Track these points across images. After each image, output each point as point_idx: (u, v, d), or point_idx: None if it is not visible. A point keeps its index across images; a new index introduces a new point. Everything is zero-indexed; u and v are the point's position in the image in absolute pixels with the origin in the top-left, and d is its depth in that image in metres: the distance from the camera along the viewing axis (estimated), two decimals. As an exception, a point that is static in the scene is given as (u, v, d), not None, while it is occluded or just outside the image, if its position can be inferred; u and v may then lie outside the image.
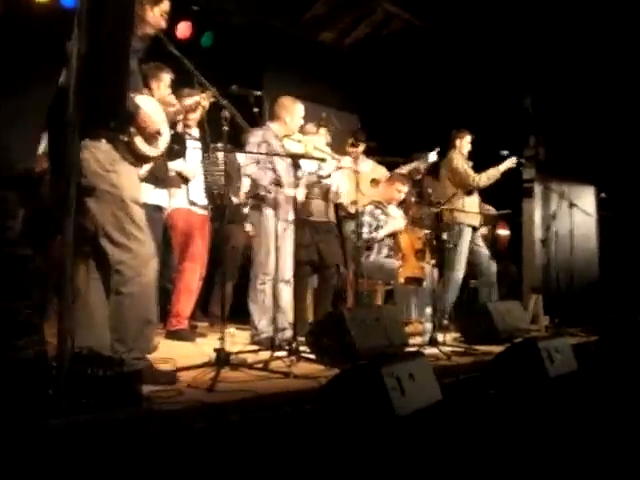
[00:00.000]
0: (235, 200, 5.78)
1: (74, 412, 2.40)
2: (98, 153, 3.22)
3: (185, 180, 5.34)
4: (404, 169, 7.01)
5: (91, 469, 2.23)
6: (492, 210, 7.45)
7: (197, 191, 5.36)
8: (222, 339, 3.73)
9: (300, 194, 5.23)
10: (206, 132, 4.90)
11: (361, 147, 6.50)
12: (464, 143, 6.99)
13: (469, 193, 6.82)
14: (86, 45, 2.41)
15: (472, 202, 6.87)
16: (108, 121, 2.71)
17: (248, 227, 5.94)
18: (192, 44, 7.13)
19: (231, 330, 5.60)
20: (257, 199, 5.19)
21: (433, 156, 6.94)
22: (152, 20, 3.45)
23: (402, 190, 6.50)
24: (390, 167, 7.00)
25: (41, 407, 2.36)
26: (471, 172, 6.79)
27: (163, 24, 3.53)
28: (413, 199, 6.78)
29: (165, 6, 3.50)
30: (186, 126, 5.15)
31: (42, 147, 5.13)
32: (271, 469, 2.67)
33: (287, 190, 4.97)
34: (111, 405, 2.58)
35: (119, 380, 2.64)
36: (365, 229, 6.20)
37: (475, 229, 6.87)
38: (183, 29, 7.02)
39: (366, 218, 6.27)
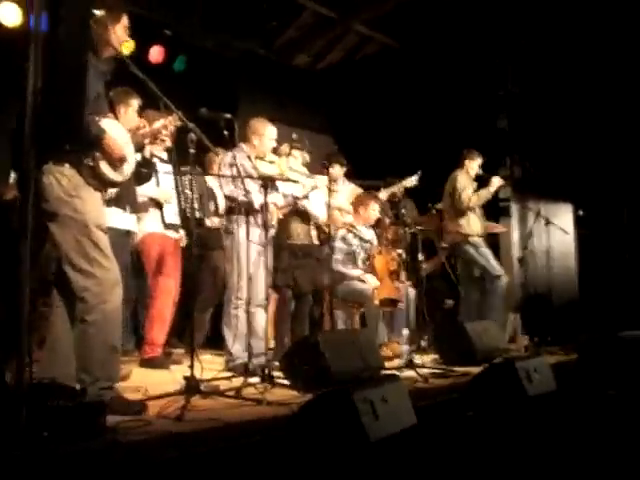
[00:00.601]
0: (208, 223, 5.72)
1: (34, 444, 2.33)
2: (62, 178, 3.17)
3: (159, 205, 5.27)
4: (384, 193, 6.98)
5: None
6: (496, 226, 7.43)
7: (171, 214, 5.29)
8: (192, 367, 3.66)
9: (280, 200, 5.21)
10: (173, 155, 4.85)
11: (338, 169, 6.45)
12: (473, 165, 6.97)
13: (460, 214, 6.79)
14: (42, 67, 2.36)
15: (475, 220, 6.87)
16: (64, 145, 2.64)
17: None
18: (165, 68, 7.11)
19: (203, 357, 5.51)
20: (233, 213, 5.09)
21: (414, 180, 6.92)
22: (115, 40, 3.41)
23: (376, 208, 6.44)
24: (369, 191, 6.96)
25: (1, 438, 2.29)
26: (467, 196, 6.76)
27: (126, 37, 3.51)
28: (388, 220, 6.73)
29: (125, 21, 3.48)
30: (155, 149, 5.09)
31: (14, 174, 5.06)
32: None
33: (258, 211, 4.90)
34: (73, 437, 2.51)
35: (81, 411, 2.57)
36: (338, 256, 6.09)
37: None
38: (155, 54, 6.99)
39: (337, 244, 6.13)
